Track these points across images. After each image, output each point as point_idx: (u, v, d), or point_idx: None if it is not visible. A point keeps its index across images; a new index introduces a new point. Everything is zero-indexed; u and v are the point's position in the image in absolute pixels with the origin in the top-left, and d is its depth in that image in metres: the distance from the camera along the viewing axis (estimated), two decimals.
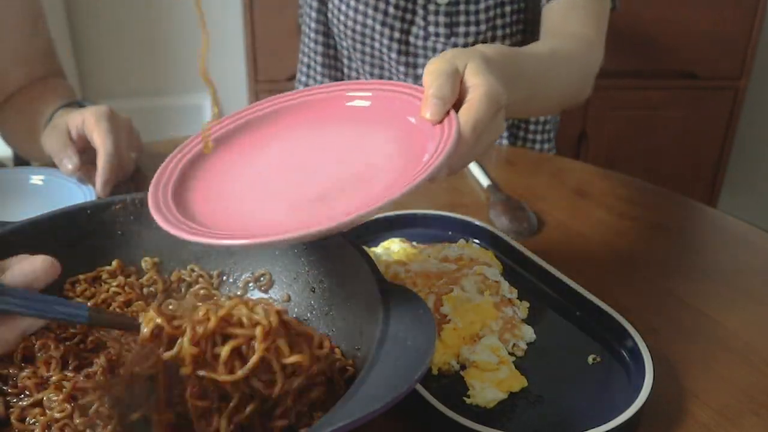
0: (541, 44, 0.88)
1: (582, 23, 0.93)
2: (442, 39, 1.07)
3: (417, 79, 1.11)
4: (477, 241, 0.76)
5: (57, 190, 0.83)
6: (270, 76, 2.01)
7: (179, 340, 0.41)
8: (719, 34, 1.92)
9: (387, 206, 0.45)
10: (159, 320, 0.42)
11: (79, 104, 0.94)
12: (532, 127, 1.20)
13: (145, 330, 0.42)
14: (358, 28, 1.09)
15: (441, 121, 0.51)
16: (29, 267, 0.45)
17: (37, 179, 0.87)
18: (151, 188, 0.52)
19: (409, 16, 1.07)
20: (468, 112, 0.51)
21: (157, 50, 2.27)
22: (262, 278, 0.57)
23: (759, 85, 2.12)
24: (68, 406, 0.44)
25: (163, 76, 2.29)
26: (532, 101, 0.73)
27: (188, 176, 0.54)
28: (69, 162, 0.82)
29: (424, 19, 1.06)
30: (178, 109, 2.30)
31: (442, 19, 1.06)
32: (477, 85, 0.53)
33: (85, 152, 0.84)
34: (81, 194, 0.81)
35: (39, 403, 0.45)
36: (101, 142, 0.81)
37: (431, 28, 1.07)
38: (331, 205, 0.48)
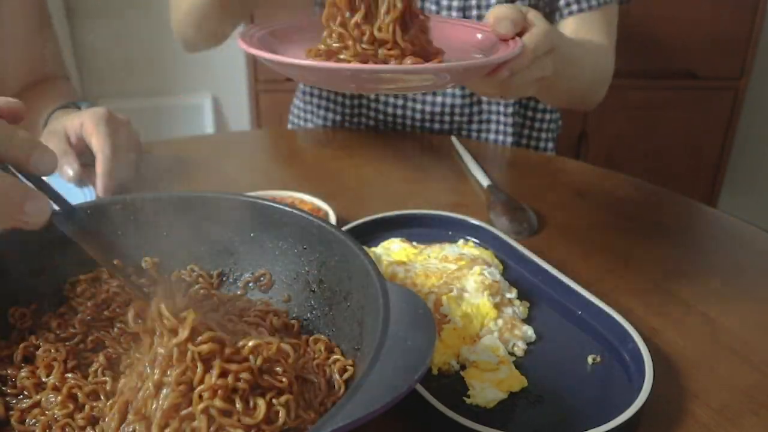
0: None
1: (596, 37, 0.99)
2: None
3: None
4: (477, 241, 0.76)
5: (57, 190, 0.83)
6: (270, 76, 2.01)
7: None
8: (720, 34, 1.92)
9: (466, 70, 0.59)
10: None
11: (76, 105, 0.94)
12: (537, 125, 1.20)
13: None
14: None
15: (507, 41, 0.62)
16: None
17: None
18: (245, 28, 0.64)
19: None
20: (531, 37, 0.62)
21: (157, 50, 2.26)
22: (262, 278, 0.57)
23: (759, 85, 2.12)
24: (69, 406, 0.44)
25: (163, 76, 2.29)
26: (560, 78, 0.75)
27: (278, 35, 0.66)
28: (70, 168, 0.82)
29: (437, 13, 1.07)
30: (178, 109, 2.30)
31: (454, 14, 1.06)
32: (538, 24, 0.63)
33: (84, 154, 0.84)
34: (81, 194, 0.81)
35: (38, 404, 0.45)
36: (100, 148, 0.81)
37: None
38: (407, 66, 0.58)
